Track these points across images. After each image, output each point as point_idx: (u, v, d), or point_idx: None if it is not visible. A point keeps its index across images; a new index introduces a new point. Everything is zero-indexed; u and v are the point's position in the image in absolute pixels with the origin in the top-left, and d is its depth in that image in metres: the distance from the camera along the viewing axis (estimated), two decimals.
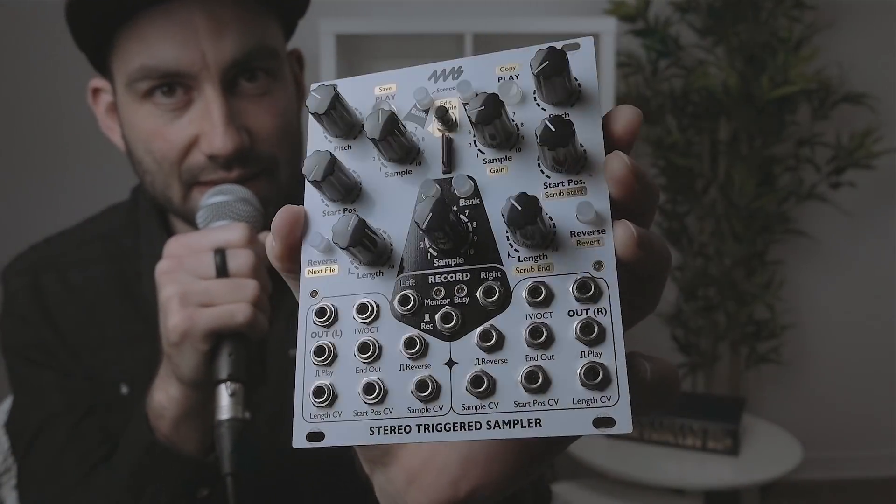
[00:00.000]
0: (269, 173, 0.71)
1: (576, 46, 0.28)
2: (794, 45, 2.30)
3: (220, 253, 0.57)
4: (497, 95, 0.27)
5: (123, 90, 0.70)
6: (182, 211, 0.72)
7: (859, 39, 2.60)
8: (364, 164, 0.30)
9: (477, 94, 0.27)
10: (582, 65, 0.28)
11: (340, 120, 0.30)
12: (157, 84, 0.67)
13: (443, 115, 0.29)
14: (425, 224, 0.26)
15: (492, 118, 0.26)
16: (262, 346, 0.77)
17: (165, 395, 0.61)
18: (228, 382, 0.55)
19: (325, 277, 0.29)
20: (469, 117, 0.27)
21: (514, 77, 0.29)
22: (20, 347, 0.77)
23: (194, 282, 0.56)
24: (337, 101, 0.29)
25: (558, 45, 0.28)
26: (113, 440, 0.69)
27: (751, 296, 2.39)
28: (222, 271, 0.57)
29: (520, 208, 0.25)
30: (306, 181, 0.29)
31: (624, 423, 0.24)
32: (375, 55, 2.53)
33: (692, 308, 2.46)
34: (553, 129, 0.25)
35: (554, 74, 0.26)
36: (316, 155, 0.28)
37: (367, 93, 0.31)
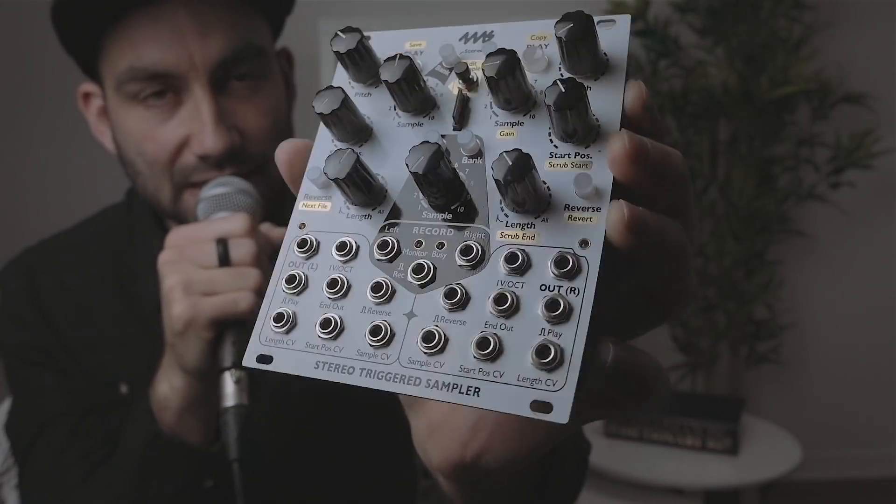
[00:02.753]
0: (261, 171, 0.71)
1: (611, 22, 0.28)
2: (793, 45, 2.30)
3: (222, 242, 0.57)
4: (515, 52, 0.26)
5: (113, 93, 0.70)
6: (173, 212, 0.72)
7: (859, 39, 2.60)
8: (379, 111, 0.30)
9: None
10: (614, 40, 0.27)
11: (364, 65, 0.30)
12: (146, 86, 0.67)
13: (464, 72, 0.29)
14: (414, 167, 0.25)
15: (505, 74, 0.26)
16: None
17: (169, 386, 0.61)
18: (233, 370, 0.55)
19: (317, 212, 0.29)
20: (483, 72, 0.27)
21: (545, 46, 0.28)
22: (18, 349, 0.77)
23: (197, 271, 0.57)
24: (361, 46, 0.29)
25: (594, 18, 0.27)
26: (113, 439, 0.70)
27: (750, 296, 2.40)
28: (224, 260, 0.57)
29: (510, 163, 0.24)
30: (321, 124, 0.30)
31: (561, 411, 0.23)
32: None
33: (692, 308, 2.46)
34: (563, 90, 0.24)
35: (577, 38, 0.25)
36: (329, 90, 0.28)
37: (397, 47, 0.31)
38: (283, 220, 0.67)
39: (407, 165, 0.26)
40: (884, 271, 2.76)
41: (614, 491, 1.92)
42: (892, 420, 2.80)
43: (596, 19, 0.27)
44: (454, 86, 0.29)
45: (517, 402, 0.23)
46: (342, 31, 0.29)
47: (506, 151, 0.25)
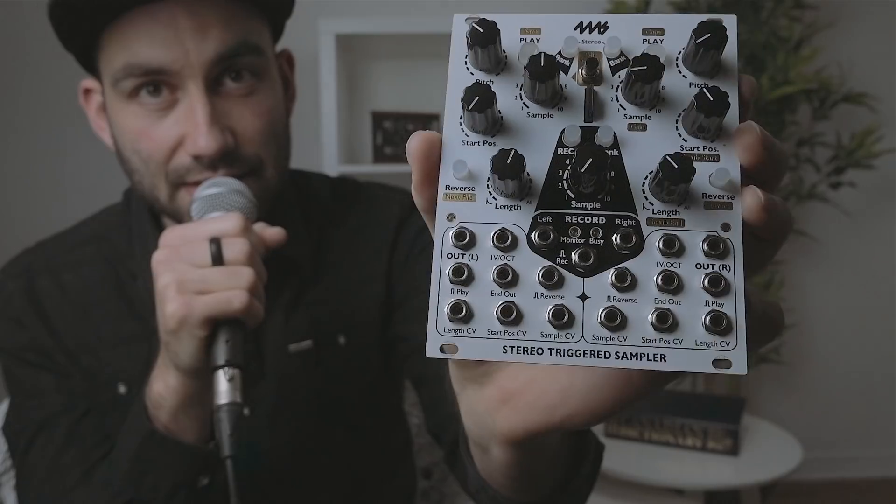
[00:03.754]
0: (255, 174, 0.71)
1: (719, 23, 0.30)
2: (794, 44, 2.30)
3: (216, 242, 0.58)
4: (658, 59, 0.28)
5: (110, 90, 0.70)
6: (170, 210, 0.72)
7: (859, 39, 2.60)
8: (506, 100, 0.31)
9: (622, 53, 0.30)
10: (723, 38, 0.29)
11: (493, 54, 0.31)
12: (141, 83, 0.67)
13: (592, 66, 0.30)
14: (585, 167, 0.28)
15: (652, 79, 0.28)
16: (258, 342, 0.77)
17: (164, 385, 0.61)
18: (226, 368, 0.56)
19: (464, 203, 0.30)
20: (628, 73, 0.29)
21: (660, 41, 0.31)
22: (16, 349, 0.77)
23: (191, 270, 0.57)
24: (497, 35, 0.30)
25: (703, 18, 0.29)
26: (111, 440, 0.69)
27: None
28: (218, 260, 0.57)
29: (676, 166, 0.27)
30: (449, 112, 0.31)
31: (740, 366, 0.27)
32: (375, 55, 2.53)
33: None
34: (711, 99, 0.28)
35: (714, 48, 0.28)
36: (477, 85, 0.29)
37: (513, 31, 0.31)
38: (276, 222, 0.67)
39: (576, 166, 0.28)
40: (885, 271, 2.76)
41: (614, 491, 1.92)
42: (893, 420, 2.80)
43: (704, 16, 0.30)
44: (578, 76, 0.31)
45: (701, 361, 0.28)
46: (477, 23, 0.30)
47: (668, 154, 0.28)
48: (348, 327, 0.81)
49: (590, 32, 0.31)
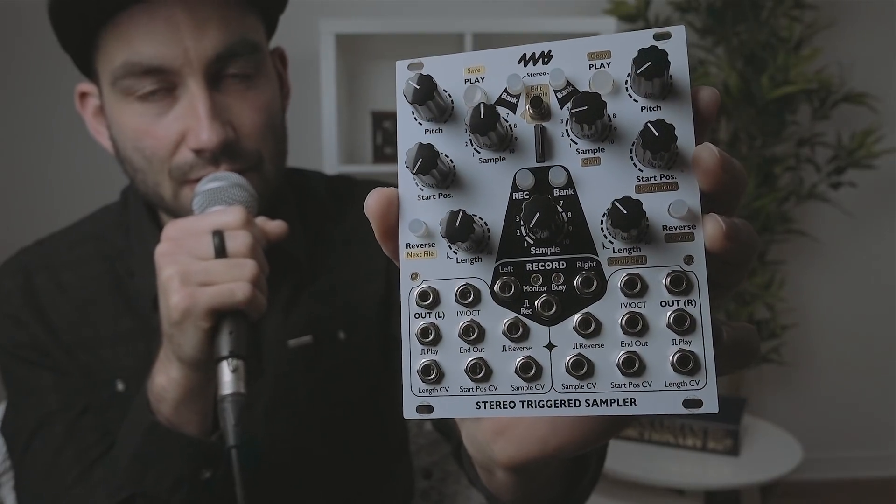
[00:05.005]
0: (255, 169, 0.71)
1: (667, 36, 0.29)
2: (794, 44, 2.30)
3: (219, 234, 0.58)
4: (599, 95, 0.27)
5: (109, 90, 0.70)
6: (174, 207, 0.72)
7: (860, 39, 2.60)
8: (457, 148, 0.30)
9: (569, 83, 0.29)
10: (674, 56, 0.28)
11: (434, 106, 0.30)
12: (141, 81, 0.68)
13: (538, 104, 0.29)
14: (533, 222, 0.27)
15: (594, 118, 0.27)
16: (258, 338, 0.77)
17: (166, 378, 0.61)
18: (230, 359, 0.56)
19: (425, 261, 0.30)
20: (568, 112, 0.28)
21: (606, 65, 0.29)
22: (14, 347, 0.77)
23: (194, 262, 0.57)
24: (433, 90, 0.29)
25: (650, 33, 0.28)
26: (110, 437, 0.69)
27: (751, 296, 2.39)
28: (221, 252, 0.58)
29: (624, 212, 0.27)
30: (402, 168, 0.30)
31: (711, 404, 0.27)
32: (375, 55, 2.53)
33: None
34: (656, 134, 0.27)
35: (655, 76, 0.27)
36: (417, 147, 0.29)
37: (456, 74, 0.31)
38: (273, 217, 0.67)
39: (520, 220, 0.28)
40: (885, 271, 2.76)
41: (615, 491, 1.92)
42: (893, 420, 2.80)
43: (651, 33, 0.28)
44: (525, 115, 0.30)
45: (671, 403, 0.27)
46: (411, 79, 0.29)
47: (617, 200, 0.27)
48: (348, 323, 0.81)
49: (534, 64, 0.30)
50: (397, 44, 2.37)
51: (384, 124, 2.29)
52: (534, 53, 0.30)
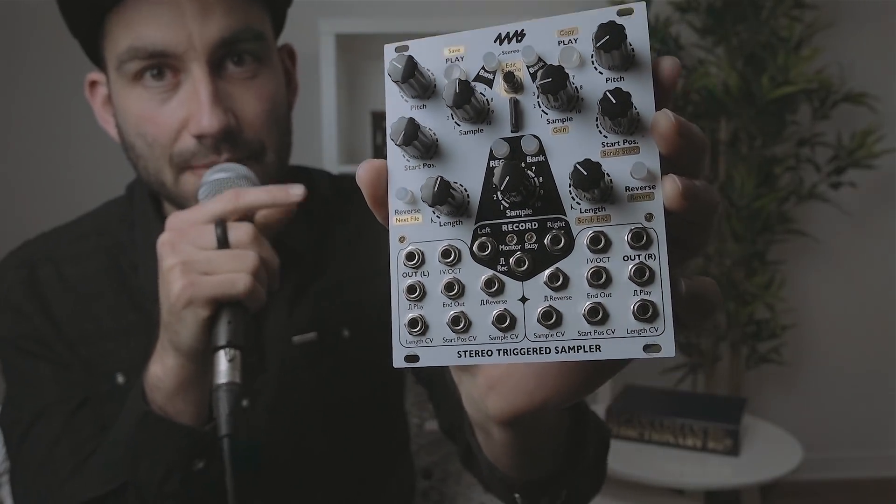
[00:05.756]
0: (257, 158, 0.72)
1: (629, 12, 0.31)
2: (794, 44, 2.30)
3: (221, 225, 0.59)
4: (562, 68, 0.30)
5: (115, 75, 0.71)
6: (175, 194, 0.72)
7: (860, 39, 2.60)
8: (439, 122, 0.33)
9: (540, 59, 0.32)
10: (635, 31, 0.31)
11: (417, 84, 0.33)
12: (145, 66, 0.68)
13: (510, 79, 0.32)
14: (504, 186, 0.30)
15: (557, 89, 0.30)
16: (259, 335, 0.77)
17: (162, 367, 0.61)
18: (227, 349, 0.56)
19: (411, 225, 0.33)
20: (536, 86, 0.31)
21: (574, 41, 0.32)
22: (16, 339, 0.78)
23: (196, 252, 0.58)
24: (414, 69, 0.32)
25: (614, 10, 0.31)
26: (108, 431, 0.70)
27: (751, 296, 2.39)
28: (223, 242, 0.58)
29: (585, 173, 0.29)
30: (389, 140, 0.33)
31: (668, 349, 0.30)
32: (375, 55, 2.53)
33: None
34: (614, 102, 0.29)
35: (613, 48, 0.29)
36: (400, 121, 0.32)
37: (438, 54, 0.34)
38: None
39: (495, 185, 0.31)
40: (885, 271, 2.76)
41: (615, 491, 1.91)
42: (894, 420, 2.80)
43: (615, 10, 0.31)
44: (500, 89, 0.33)
45: (632, 348, 0.30)
46: (394, 59, 0.32)
47: (578, 162, 0.29)
48: (352, 321, 0.81)
49: (508, 42, 0.33)
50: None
51: (384, 124, 2.29)
52: (508, 33, 0.33)
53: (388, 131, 0.32)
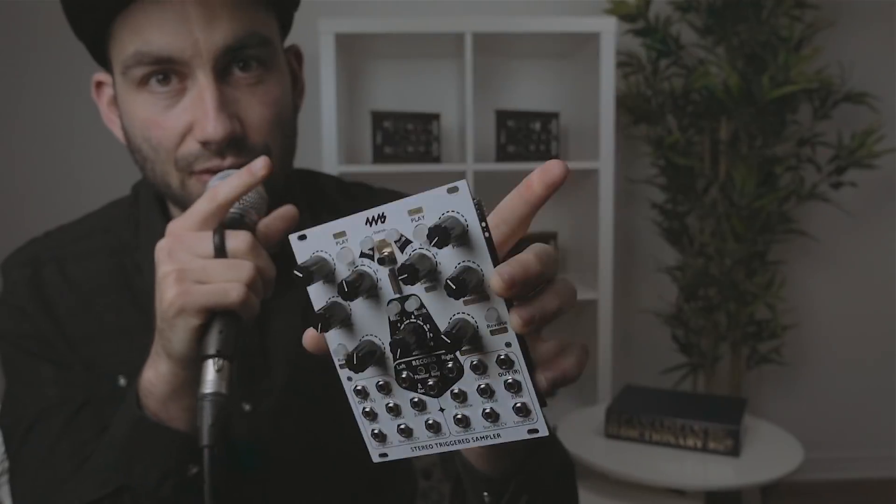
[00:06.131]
0: None
1: (455, 190, 0.38)
2: (794, 44, 2.30)
3: (219, 233, 0.58)
4: (414, 267, 0.38)
5: (120, 79, 0.71)
6: (181, 198, 0.72)
7: (860, 39, 2.60)
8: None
9: (402, 235, 0.40)
10: (463, 206, 0.39)
11: (321, 277, 0.43)
12: (151, 71, 0.68)
13: (384, 261, 0.41)
14: (413, 346, 0.41)
15: (415, 280, 0.39)
16: (263, 339, 0.77)
17: (155, 373, 0.61)
18: (216, 358, 0.56)
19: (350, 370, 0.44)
20: (399, 279, 0.40)
21: (422, 217, 0.40)
22: (18, 338, 0.77)
23: (193, 260, 0.58)
24: (312, 277, 0.42)
25: (444, 189, 0.38)
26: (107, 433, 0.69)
27: (752, 296, 2.39)
28: (221, 251, 0.58)
29: (449, 341, 0.40)
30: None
31: (543, 430, 0.42)
32: (375, 55, 2.53)
33: (693, 308, 2.45)
34: (454, 288, 0.38)
35: (444, 245, 0.38)
36: (318, 315, 0.42)
37: (330, 239, 0.42)
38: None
39: (390, 346, 0.41)
40: (886, 271, 2.75)
41: (615, 492, 1.91)
42: (894, 421, 2.80)
43: (445, 188, 0.38)
44: (380, 262, 0.42)
45: (520, 433, 0.43)
46: (298, 269, 0.41)
47: (443, 333, 0.40)
48: None
49: (375, 224, 0.41)
50: (397, 43, 2.37)
51: (384, 124, 2.29)
52: (374, 216, 0.41)
53: (315, 320, 0.42)
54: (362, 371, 0.42)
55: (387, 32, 2.21)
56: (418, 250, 0.40)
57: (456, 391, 0.43)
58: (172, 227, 0.61)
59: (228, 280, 0.57)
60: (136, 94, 0.70)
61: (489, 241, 0.39)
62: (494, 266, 0.39)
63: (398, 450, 0.46)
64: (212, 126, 0.67)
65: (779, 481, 1.82)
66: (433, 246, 0.38)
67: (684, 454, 1.86)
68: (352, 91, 2.54)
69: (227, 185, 0.60)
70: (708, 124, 2.38)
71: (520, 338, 0.40)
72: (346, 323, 0.44)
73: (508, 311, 0.40)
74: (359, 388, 0.45)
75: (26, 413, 0.75)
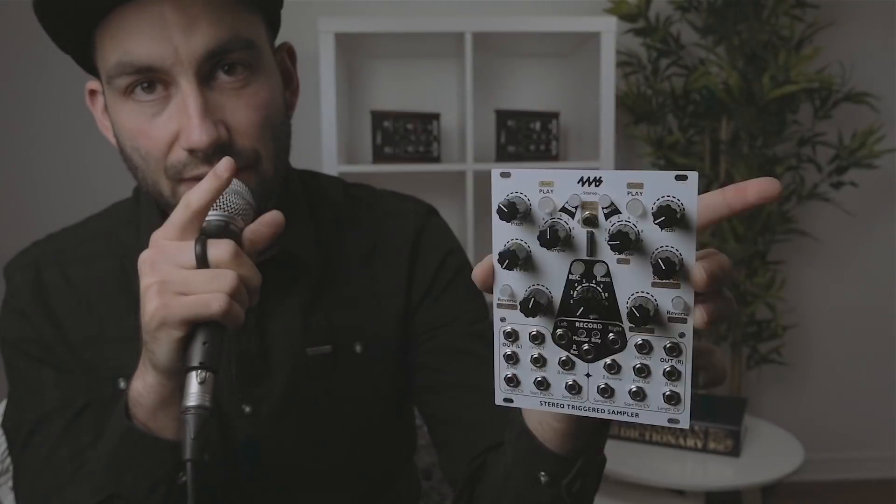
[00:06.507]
0: (252, 168, 0.70)
1: (684, 178, 0.40)
2: (795, 44, 2.30)
3: (201, 243, 0.57)
4: (628, 236, 0.40)
5: (107, 88, 0.70)
6: (173, 205, 0.72)
7: (861, 38, 2.59)
8: (531, 239, 0.44)
9: (612, 203, 0.41)
10: (687, 195, 0.40)
11: (519, 214, 0.43)
12: (135, 80, 0.67)
13: (589, 220, 0.42)
14: (579, 312, 0.43)
15: (623, 249, 0.40)
16: (263, 341, 0.77)
17: (143, 383, 0.61)
18: (198, 370, 0.55)
19: (509, 311, 0.46)
20: (607, 231, 0.41)
21: (640, 193, 0.41)
22: (19, 342, 0.77)
23: (175, 271, 0.57)
24: (516, 213, 0.42)
25: (672, 175, 0.40)
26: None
27: (752, 296, 2.39)
28: (203, 261, 0.57)
29: (638, 315, 0.41)
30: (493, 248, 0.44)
31: (685, 423, 0.44)
32: (375, 54, 2.52)
33: None
34: (663, 268, 0.40)
35: (668, 226, 0.40)
36: (506, 252, 0.43)
37: (534, 184, 0.43)
38: (286, 220, 0.66)
39: (573, 303, 0.43)
40: (887, 271, 2.75)
41: (615, 492, 1.91)
42: (894, 421, 2.79)
43: (673, 175, 0.40)
44: (580, 222, 0.42)
45: (660, 419, 0.44)
46: (504, 203, 0.42)
47: (633, 307, 0.41)
48: (365, 336, 0.81)
49: (588, 185, 0.42)
50: (397, 43, 2.36)
51: (384, 124, 2.28)
52: (589, 177, 0.42)
53: (495, 257, 0.44)
54: (533, 317, 0.44)
55: (387, 32, 2.20)
56: (625, 222, 0.41)
57: (609, 362, 0.44)
58: (155, 237, 0.60)
59: (210, 291, 0.56)
60: (123, 104, 0.69)
61: (696, 234, 0.40)
62: (693, 259, 0.41)
63: (527, 399, 0.47)
64: (196, 134, 0.66)
65: (779, 482, 1.82)
66: (656, 224, 0.40)
67: (684, 454, 1.86)
68: (352, 91, 2.53)
69: (197, 191, 0.59)
70: (708, 124, 2.38)
71: (695, 332, 0.42)
72: (525, 267, 0.45)
73: (694, 304, 0.41)
74: (508, 330, 0.46)
75: (28, 417, 0.75)
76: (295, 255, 0.77)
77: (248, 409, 0.77)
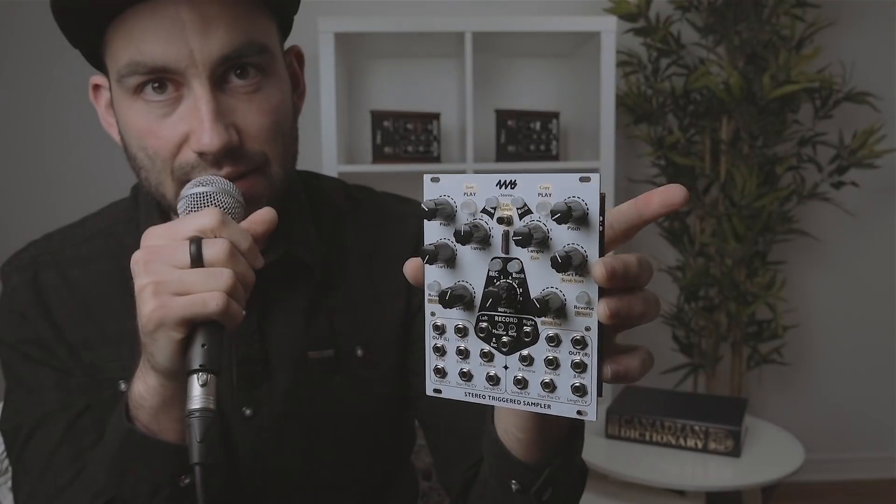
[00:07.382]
0: (261, 171, 0.70)
1: (587, 179, 0.43)
2: (795, 43, 2.29)
3: (196, 242, 0.56)
4: (530, 233, 0.43)
5: (115, 86, 0.70)
6: (175, 207, 0.71)
7: (862, 38, 2.59)
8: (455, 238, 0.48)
9: (525, 204, 0.45)
10: (590, 195, 0.43)
11: (443, 213, 0.48)
12: (146, 80, 0.67)
13: (502, 221, 0.46)
14: (502, 301, 0.46)
15: (526, 244, 0.43)
16: (263, 343, 0.76)
17: (144, 385, 0.60)
18: (200, 373, 0.54)
19: (438, 305, 0.49)
20: (513, 239, 0.44)
21: (549, 194, 0.44)
22: (18, 343, 0.77)
23: (169, 271, 0.56)
24: (435, 213, 0.47)
25: (577, 177, 0.43)
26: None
27: (752, 296, 2.38)
28: (197, 260, 0.56)
29: (538, 307, 0.44)
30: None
31: (592, 416, 0.46)
32: (375, 54, 2.52)
33: (693, 308, 2.45)
34: (559, 262, 0.42)
35: (563, 222, 0.42)
36: (443, 246, 0.47)
37: (460, 188, 0.47)
38: (284, 221, 0.66)
39: (494, 295, 0.46)
40: (887, 271, 2.75)
41: (615, 492, 1.91)
42: (895, 422, 2.79)
43: (578, 176, 0.43)
44: (497, 222, 0.46)
45: (569, 410, 0.46)
46: (427, 204, 0.46)
47: (535, 298, 0.44)
48: (367, 341, 0.81)
49: (505, 188, 0.45)
50: (397, 43, 2.36)
51: (383, 123, 2.28)
52: (505, 180, 0.46)
53: (423, 254, 0.47)
54: (450, 308, 0.47)
55: (387, 32, 2.20)
56: (536, 221, 0.44)
57: (525, 354, 0.47)
58: (148, 236, 0.59)
59: (207, 290, 0.55)
60: (132, 102, 0.68)
61: (602, 232, 0.43)
62: (599, 256, 0.43)
63: (454, 390, 0.50)
64: (208, 137, 0.65)
65: (779, 482, 1.82)
66: (552, 220, 0.42)
67: (685, 455, 1.85)
68: (351, 90, 2.53)
69: (194, 223, 0.58)
70: (709, 124, 2.38)
71: (600, 326, 0.44)
72: (449, 264, 0.48)
73: (599, 299, 0.44)
74: (438, 323, 0.49)
75: (27, 419, 0.75)
76: (297, 257, 0.77)
77: (248, 411, 0.77)
